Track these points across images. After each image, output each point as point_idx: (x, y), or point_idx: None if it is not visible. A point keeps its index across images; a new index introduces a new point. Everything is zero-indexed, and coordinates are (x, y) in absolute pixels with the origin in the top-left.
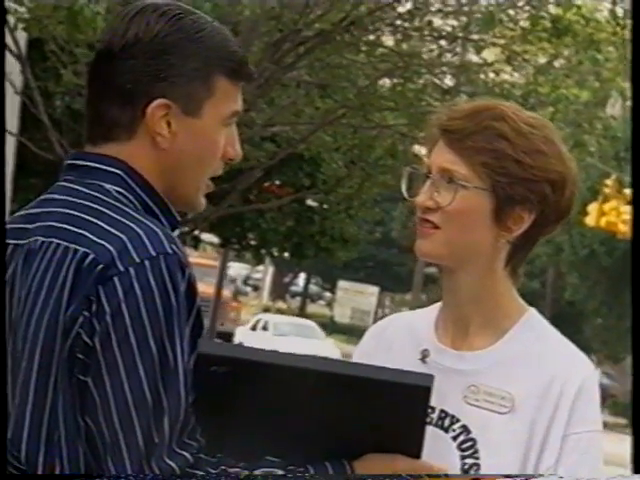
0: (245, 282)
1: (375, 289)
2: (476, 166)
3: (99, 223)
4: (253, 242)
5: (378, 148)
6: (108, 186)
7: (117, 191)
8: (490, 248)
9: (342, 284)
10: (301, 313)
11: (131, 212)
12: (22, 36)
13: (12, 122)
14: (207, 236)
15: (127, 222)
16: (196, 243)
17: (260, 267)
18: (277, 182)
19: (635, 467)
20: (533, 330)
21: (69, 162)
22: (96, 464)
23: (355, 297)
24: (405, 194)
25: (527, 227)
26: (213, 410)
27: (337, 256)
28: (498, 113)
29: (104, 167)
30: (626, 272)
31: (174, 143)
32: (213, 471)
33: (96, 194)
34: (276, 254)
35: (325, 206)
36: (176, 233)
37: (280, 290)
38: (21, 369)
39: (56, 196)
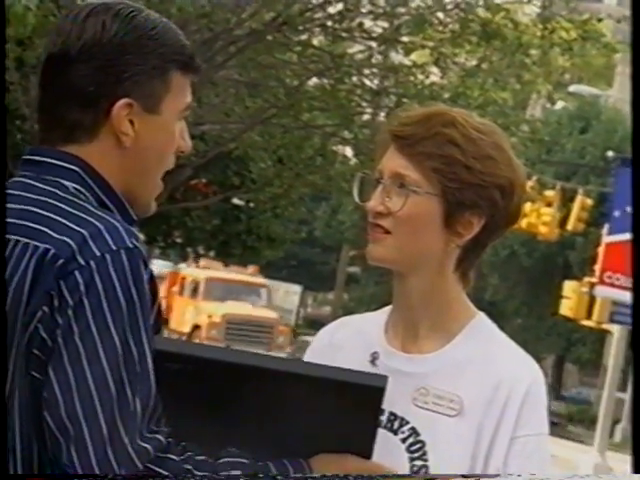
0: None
1: (298, 288)
2: (427, 171)
3: (59, 219)
4: (179, 240)
5: (307, 148)
6: (66, 182)
7: (75, 188)
8: (440, 252)
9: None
10: None
11: (90, 207)
12: None
13: None
14: None
15: (87, 217)
16: None
17: (183, 264)
18: (204, 180)
19: (635, 467)
20: (481, 334)
21: (27, 157)
22: (55, 460)
23: (278, 296)
24: (357, 199)
25: (477, 232)
26: (169, 405)
27: (263, 255)
28: (448, 119)
29: (62, 164)
30: (546, 273)
31: (136, 141)
32: (182, 457)
33: (54, 190)
34: (202, 252)
35: (252, 205)
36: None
37: None
38: None
39: (14, 192)
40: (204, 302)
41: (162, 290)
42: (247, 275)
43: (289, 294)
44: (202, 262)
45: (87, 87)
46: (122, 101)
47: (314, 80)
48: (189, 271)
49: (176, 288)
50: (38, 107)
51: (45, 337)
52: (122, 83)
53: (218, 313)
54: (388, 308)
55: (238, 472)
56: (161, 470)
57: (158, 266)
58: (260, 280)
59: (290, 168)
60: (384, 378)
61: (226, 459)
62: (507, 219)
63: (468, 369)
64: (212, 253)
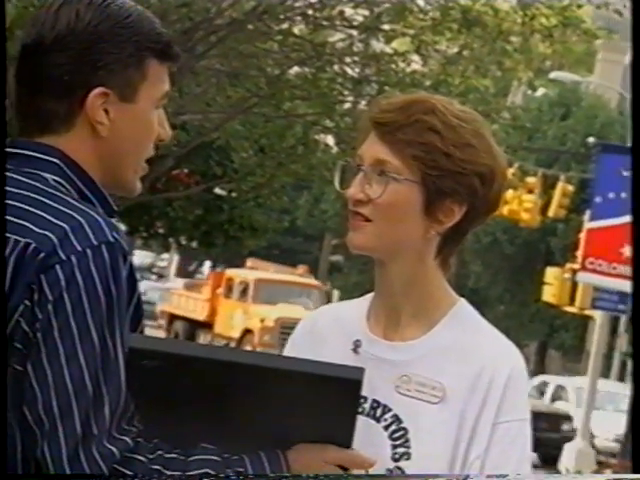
0: (149, 270)
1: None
2: (407, 159)
3: (39, 213)
4: (161, 230)
5: (289, 137)
6: (45, 175)
7: (55, 180)
8: (420, 240)
9: None
10: None
11: (71, 200)
12: None
13: None
14: None
15: (68, 211)
16: None
17: (165, 255)
18: (185, 170)
19: (635, 467)
20: (463, 321)
21: (5, 150)
22: (30, 454)
23: None
24: (337, 186)
25: (458, 219)
26: (144, 402)
27: (246, 244)
28: (429, 106)
29: (42, 156)
30: (528, 260)
31: (113, 130)
32: (151, 456)
33: (35, 183)
34: (184, 243)
35: (234, 195)
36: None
37: (185, 277)
38: None
39: None
40: (254, 305)
41: (205, 292)
42: (297, 275)
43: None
44: (249, 262)
45: (61, 77)
46: (96, 90)
47: (295, 69)
48: (235, 272)
49: (221, 290)
50: (15, 98)
51: (27, 330)
52: (97, 72)
53: (271, 317)
54: (370, 295)
55: (209, 470)
56: (127, 471)
57: (140, 257)
58: (312, 281)
59: (272, 157)
60: (361, 370)
61: (198, 456)
62: (488, 207)
63: (450, 356)
64: (194, 243)
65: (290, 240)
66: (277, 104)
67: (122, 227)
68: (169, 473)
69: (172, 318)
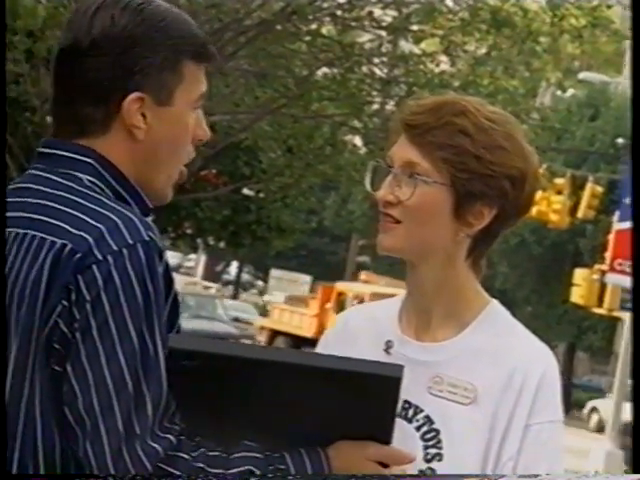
0: (177, 271)
1: (307, 278)
2: (437, 161)
3: (75, 213)
4: (189, 231)
5: (317, 138)
6: (81, 175)
7: (90, 180)
8: (450, 242)
9: (275, 273)
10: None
11: (106, 200)
12: None
13: None
14: None
15: (103, 211)
16: None
17: (192, 256)
18: (214, 171)
19: (635, 467)
20: (495, 322)
21: (41, 150)
22: (73, 454)
23: (288, 286)
24: (368, 187)
25: (488, 222)
26: (185, 402)
27: (273, 245)
28: (459, 108)
29: (76, 156)
30: (556, 261)
31: (150, 134)
32: (194, 454)
33: (70, 183)
34: (212, 243)
35: (262, 195)
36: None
37: (212, 278)
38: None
39: (29, 185)
40: None
41: (313, 307)
42: None
43: (299, 284)
44: (363, 275)
45: (98, 81)
46: (132, 95)
47: (324, 70)
48: (347, 286)
49: (331, 304)
50: (52, 101)
51: (65, 331)
52: (132, 76)
53: None
54: (401, 296)
55: (251, 467)
56: (171, 469)
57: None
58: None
59: (300, 158)
60: (400, 368)
61: (240, 454)
62: (518, 209)
63: (482, 357)
64: (222, 244)
65: (317, 241)
66: (305, 105)
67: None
68: (212, 471)
69: (274, 334)
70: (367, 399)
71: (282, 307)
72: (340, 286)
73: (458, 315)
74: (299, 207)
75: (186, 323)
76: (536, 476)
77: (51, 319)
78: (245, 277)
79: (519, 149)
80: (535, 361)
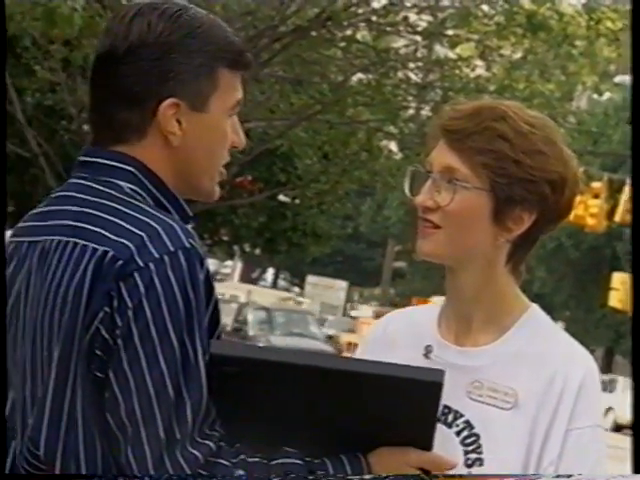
0: (213, 277)
1: (344, 284)
2: (476, 166)
3: (116, 221)
4: (225, 238)
5: (353, 144)
6: (121, 183)
7: (130, 188)
8: (490, 247)
9: (311, 279)
10: None
11: (146, 208)
12: None
13: None
14: None
15: (144, 218)
16: None
17: (228, 262)
18: (249, 177)
19: (635, 467)
20: (535, 326)
21: (82, 159)
22: (114, 460)
23: (324, 292)
24: (408, 193)
25: (527, 227)
26: (226, 408)
27: (309, 251)
28: (499, 113)
29: (117, 164)
30: (593, 265)
31: (185, 140)
32: (234, 460)
33: (110, 191)
34: (248, 250)
35: (297, 201)
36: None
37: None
38: (40, 368)
39: (70, 194)
40: None
41: None
42: None
43: (335, 290)
44: (414, 300)
45: (134, 87)
46: (168, 101)
47: (359, 75)
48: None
49: None
50: (89, 107)
51: (107, 337)
52: (168, 83)
53: None
54: (440, 301)
55: (292, 474)
56: (211, 475)
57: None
58: None
59: (336, 164)
60: (441, 372)
61: (280, 460)
62: (558, 213)
63: (522, 362)
64: (258, 250)
65: (353, 247)
66: (340, 111)
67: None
68: (253, 477)
69: None
70: (408, 404)
71: (370, 322)
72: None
73: (498, 320)
74: (335, 213)
75: (277, 340)
76: (569, 476)
77: (93, 325)
78: (281, 283)
79: (558, 153)
80: (576, 365)
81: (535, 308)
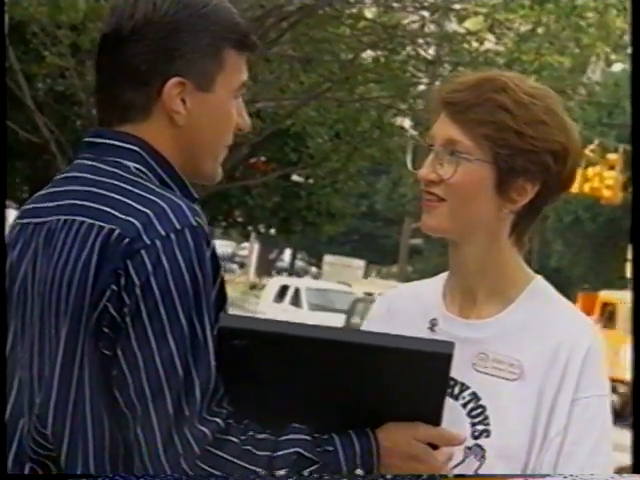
0: (231, 260)
1: (361, 262)
2: (478, 138)
3: (122, 199)
4: (240, 219)
5: (363, 121)
6: (127, 163)
7: (136, 167)
8: (494, 219)
9: (328, 258)
10: None
11: (153, 187)
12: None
13: None
14: None
15: (151, 197)
16: None
17: (245, 244)
18: (262, 158)
19: (635, 467)
20: (539, 297)
21: (87, 140)
22: (123, 437)
23: (342, 271)
24: (409, 166)
25: (531, 197)
26: (235, 382)
27: (324, 230)
28: (499, 84)
29: (122, 144)
30: (611, 237)
31: (190, 119)
32: (242, 437)
33: (117, 171)
34: (263, 230)
35: (311, 181)
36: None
37: (266, 266)
38: (48, 346)
39: (76, 174)
40: None
41: None
42: None
43: (353, 269)
44: None
45: (139, 66)
46: (173, 80)
47: (368, 52)
48: (613, 295)
49: (596, 317)
50: (95, 88)
51: (114, 315)
52: (174, 62)
53: None
54: (445, 274)
55: (299, 449)
56: (220, 452)
57: (221, 247)
58: None
59: (347, 142)
60: (451, 344)
61: (288, 436)
62: (561, 184)
63: (527, 332)
64: (273, 231)
65: (369, 225)
66: (350, 88)
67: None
68: (260, 454)
69: None
70: (417, 377)
71: None
72: (604, 295)
73: (502, 292)
74: (349, 192)
75: None
76: (574, 476)
77: (100, 303)
78: (299, 264)
79: (560, 123)
80: (581, 335)
81: (539, 279)
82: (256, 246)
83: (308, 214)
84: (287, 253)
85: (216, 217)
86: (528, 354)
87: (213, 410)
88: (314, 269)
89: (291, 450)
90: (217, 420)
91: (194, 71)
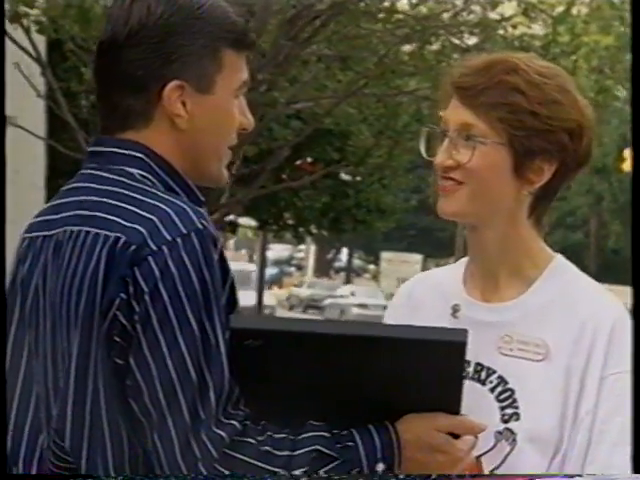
0: (288, 262)
1: (419, 257)
2: (492, 121)
3: (127, 207)
4: (290, 221)
5: (404, 115)
6: (132, 170)
7: (140, 174)
8: (512, 201)
9: (385, 255)
10: None
11: (157, 192)
12: (41, 39)
13: (39, 126)
14: (244, 220)
15: (155, 202)
16: (234, 228)
17: (302, 246)
18: (309, 159)
19: (635, 467)
20: (561, 276)
21: (91, 149)
22: (140, 444)
23: (400, 267)
24: (424, 154)
25: (548, 177)
26: (250, 383)
27: (375, 227)
28: (510, 66)
29: (126, 152)
30: None
31: (192, 122)
32: (260, 438)
33: (121, 178)
34: (314, 231)
35: (358, 178)
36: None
37: (324, 267)
38: (61, 358)
39: (81, 184)
40: None
41: None
42: None
43: (411, 264)
44: None
45: (137, 72)
46: (172, 83)
47: (402, 45)
48: None
49: None
50: (96, 96)
51: (125, 323)
52: (171, 65)
53: None
54: (464, 260)
55: (319, 446)
56: (238, 454)
57: (277, 250)
58: None
59: (388, 137)
60: (464, 332)
61: (307, 434)
62: (578, 162)
63: (551, 312)
64: (324, 232)
65: (424, 219)
66: (387, 83)
67: (252, 222)
68: (279, 454)
69: None
70: (433, 367)
71: None
72: None
73: (524, 273)
74: (398, 186)
75: None
76: (579, 476)
77: (110, 312)
78: (356, 262)
79: (573, 101)
80: (605, 312)
81: (560, 258)
82: (312, 247)
83: (358, 212)
84: (344, 252)
85: (267, 221)
86: (553, 333)
87: (229, 413)
88: (372, 266)
89: (310, 448)
90: (234, 422)
91: (193, 73)
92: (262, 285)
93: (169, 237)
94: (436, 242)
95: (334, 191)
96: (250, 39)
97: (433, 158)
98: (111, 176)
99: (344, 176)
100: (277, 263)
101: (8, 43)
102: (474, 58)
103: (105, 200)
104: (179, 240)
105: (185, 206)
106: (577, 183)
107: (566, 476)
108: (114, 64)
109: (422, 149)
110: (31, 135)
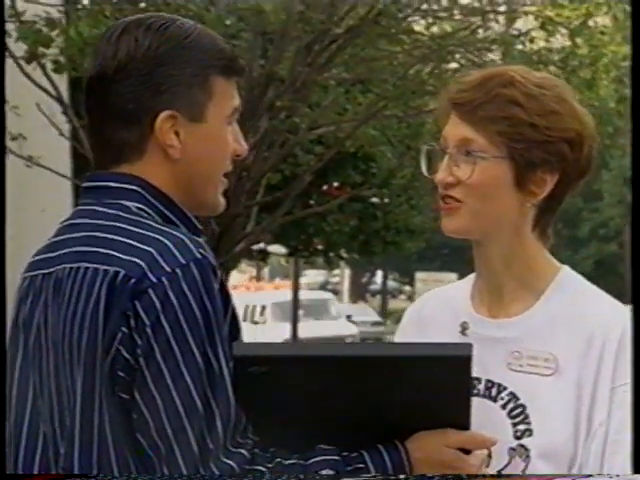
0: (324, 287)
1: (453, 276)
2: (491, 136)
3: (125, 240)
4: (320, 247)
5: (425, 134)
6: (128, 203)
7: (137, 207)
8: (516, 215)
9: (420, 275)
10: (383, 310)
11: (154, 224)
12: (63, 78)
13: (65, 165)
14: (274, 248)
15: (152, 234)
16: (264, 256)
17: (336, 271)
18: (335, 184)
19: (635, 467)
20: (568, 288)
21: (86, 185)
22: (149, 475)
23: (434, 286)
24: (425, 172)
25: (551, 188)
26: (257, 410)
27: (405, 248)
28: (506, 79)
29: (121, 185)
30: None
31: (185, 152)
32: (270, 465)
33: (117, 212)
34: (345, 255)
35: (386, 200)
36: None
37: (359, 291)
38: (66, 396)
39: (77, 221)
40: None
41: None
42: None
43: (445, 283)
44: None
45: (127, 105)
46: (164, 114)
47: (420, 65)
48: None
49: None
50: (88, 131)
51: (128, 357)
52: (161, 96)
53: None
54: (472, 276)
55: (329, 470)
56: None
57: (311, 276)
58: None
59: (412, 157)
60: (469, 346)
61: (317, 458)
62: (580, 171)
63: (559, 325)
64: (355, 255)
65: (456, 238)
66: (407, 103)
67: (282, 249)
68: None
69: None
70: (440, 383)
71: None
72: None
73: (530, 287)
74: (426, 206)
75: None
76: (588, 476)
77: (112, 347)
78: (391, 284)
79: (572, 111)
80: (613, 322)
81: (566, 269)
82: (347, 271)
83: (387, 234)
84: (379, 275)
85: (297, 247)
86: (562, 347)
87: (237, 441)
88: (407, 288)
89: (322, 472)
90: (242, 451)
91: (183, 103)
92: (297, 314)
93: (168, 268)
94: (470, 260)
95: (362, 214)
96: (239, 65)
97: (434, 176)
98: (107, 210)
99: (372, 198)
100: (312, 289)
101: (30, 83)
102: (470, 74)
103: (102, 235)
104: (178, 271)
105: (183, 236)
106: (608, 194)
107: (568, 476)
108: (104, 98)
109: (423, 168)
110: (56, 174)
